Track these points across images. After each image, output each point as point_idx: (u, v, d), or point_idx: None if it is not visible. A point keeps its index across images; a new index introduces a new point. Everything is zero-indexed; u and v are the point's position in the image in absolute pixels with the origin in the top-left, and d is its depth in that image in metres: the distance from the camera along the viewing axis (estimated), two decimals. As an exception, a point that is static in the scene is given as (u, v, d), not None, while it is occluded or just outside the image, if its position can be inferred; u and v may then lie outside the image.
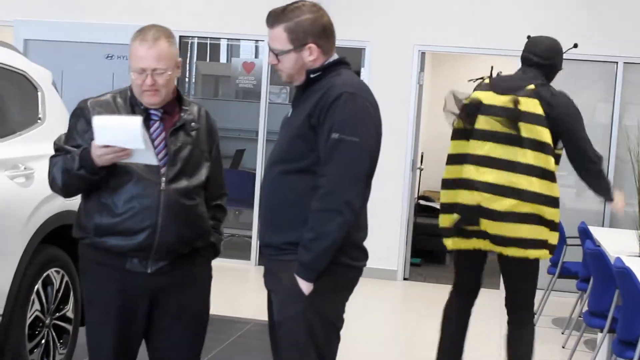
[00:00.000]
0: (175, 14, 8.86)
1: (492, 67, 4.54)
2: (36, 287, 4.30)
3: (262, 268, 3.28)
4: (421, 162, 9.62)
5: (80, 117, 3.19)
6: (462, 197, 4.33)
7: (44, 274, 4.37)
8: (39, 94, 4.73)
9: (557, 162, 4.35)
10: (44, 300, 4.38)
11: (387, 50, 8.61)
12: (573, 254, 6.95)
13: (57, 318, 4.51)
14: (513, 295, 4.44)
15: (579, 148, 4.34)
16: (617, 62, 8.29)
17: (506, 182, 4.21)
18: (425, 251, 9.49)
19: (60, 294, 4.53)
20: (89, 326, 3.33)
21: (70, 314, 4.60)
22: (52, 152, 3.25)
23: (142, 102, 3.18)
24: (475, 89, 4.47)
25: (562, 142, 4.33)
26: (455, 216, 4.36)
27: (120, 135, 2.97)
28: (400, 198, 8.64)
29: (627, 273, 4.40)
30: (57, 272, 4.49)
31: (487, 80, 4.45)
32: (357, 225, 3.09)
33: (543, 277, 5.27)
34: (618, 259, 4.65)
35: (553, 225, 4.28)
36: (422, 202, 10.35)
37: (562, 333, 6.74)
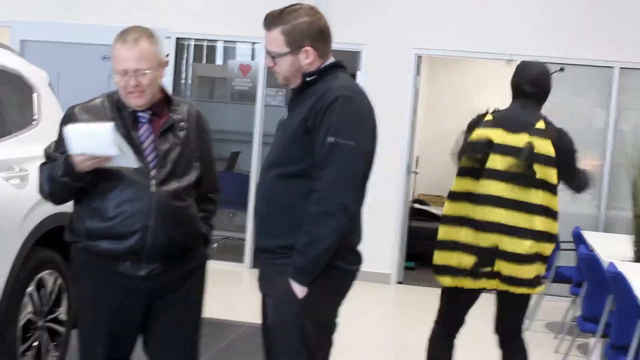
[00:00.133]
0: (172, 15, 8.87)
1: (487, 110, 4.43)
2: (29, 289, 4.29)
3: (256, 271, 3.28)
4: (416, 165, 9.62)
5: (69, 124, 3.18)
6: (477, 239, 4.22)
7: (37, 276, 4.36)
8: (35, 95, 4.72)
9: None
10: (37, 303, 4.37)
11: (384, 54, 8.62)
12: (567, 259, 6.97)
13: (50, 320, 4.50)
14: (509, 326, 4.40)
15: (571, 178, 4.37)
16: (613, 67, 8.30)
17: (522, 224, 4.15)
18: (419, 255, 9.49)
19: (53, 297, 4.52)
20: (81, 329, 3.33)
21: (63, 317, 4.59)
22: (48, 154, 3.26)
23: (128, 104, 3.18)
24: (480, 126, 4.31)
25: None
26: (455, 255, 4.27)
27: (92, 143, 2.97)
28: (395, 201, 8.64)
29: (620, 278, 4.41)
30: (51, 274, 4.48)
31: (489, 117, 4.37)
32: (352, 229, 3.09)
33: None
34: (611, 264, 4.66)
35: (546, 259, 4.31)
36: (416, 205, 10.36)
37: (555, 337, 6.74)
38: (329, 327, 3.14)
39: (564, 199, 8.11)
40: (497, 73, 10.09)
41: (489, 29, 8.43)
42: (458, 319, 4.44)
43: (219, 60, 11.17)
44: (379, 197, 7.87)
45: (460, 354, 4.48)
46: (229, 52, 10.72)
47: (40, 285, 4.40)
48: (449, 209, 4.34)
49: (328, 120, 2.96)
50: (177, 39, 9.14)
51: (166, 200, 3.14)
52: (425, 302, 7.60)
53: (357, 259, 3.16)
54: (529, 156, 4.15)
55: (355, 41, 8.57)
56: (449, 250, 4.28)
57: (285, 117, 3.19)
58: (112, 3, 8.99)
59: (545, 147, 4.17)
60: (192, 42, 10.18)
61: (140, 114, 3.20)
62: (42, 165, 3.23)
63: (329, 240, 2.94)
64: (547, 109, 4.37)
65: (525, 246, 4.15)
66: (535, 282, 4.24)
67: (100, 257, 3.16)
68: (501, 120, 4.29)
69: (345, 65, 3.18)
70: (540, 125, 4.22)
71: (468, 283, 4.26)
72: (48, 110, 4.74)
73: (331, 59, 3.14)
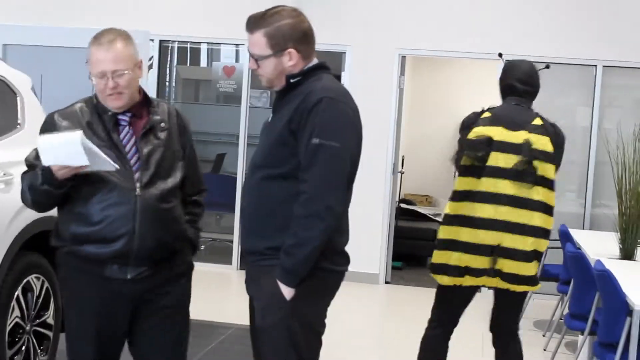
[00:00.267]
0: (155, 18, 8.84)
1: (482, 108, 4.42)
2: (16, 293, 4.27)
3: (243, 272, 3.28)
4: (402, 165, 9.63)
5: (48, 132, 3.17)
6: (480, 237, 4.21)
7: (24, 280, 4.35)
8: (18, 99, 4.70)
9: None
10: (24, 307, 4.35)
11: (368, 54, 8.63)
12: (554, 257, 6.99)
13: (38, 324, 4.48)
14: (506, 324, 4.40)
15: None
16: (596, 66, 8.34)
17: (524, 221, 4.16)
18: (406, 254, 9.50)
19: (40, 301, 4.50)
20: (68, 332, 3.32)
21: (50, 321, 4.57)
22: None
23: (107, 106, 3.17)
24: (478, 124, 4.29)
25: None
26: (455, 255, 4.25)
27: (62, 153, 2.97)
28: (381, 202, 8.65)
29: (607, 275, 4.42)
30: (37, 278, 4.46)
31: (486, 114, 4.37)
32: (339, 230, 3.09)
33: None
34: (598, 262, 4.67)
35: (540, 256, 4.32)
36: (403, 205, 10.37)
37: (544, 335, 6.77)
38: (317, 328, 3.14)
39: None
40: (481, 72, 10.14)
41: (473, 29, 8.44)
42: (453, 319, 4.43)
43: (203, 63, 11.15)
44: (365, 198, 7.87)
45: (452, 354, 4.47)
46: (213, 54, 10.70)
47: (27, 290, 4.38)
48: (450, 208, 4.33)
49: (312, 121, 2.95)
50: (161, 41, 9.12)
51: (151, 203, 3.14)
52: (413, 302, 7.62)
53: (344, 259, 3.16)
54: (529, 153, 4.16)
55: (339, 42, 8.57)
56: (449, 250, 4.27)
57: (269, 119, 3.18)
58: (94, 6, 8.96)
59: (544, 143, 4.19)
60: (176, 45, 10.15)
61: (120, 117, 3.20)
62: (23, 174, 3.22)
63: (315, 241, 2.94)
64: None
65: (528, 243, 4.16)
66: (535, 279, 4.26)
67: (86, 262, 3.15)
68: (499, 118, 4.28)
69: (329, 66, 3.18)
70: (537, 122, 4.24)
71: (468, 281, 4.26)
72: (32, 114, 4.72)
73: (315, 61, 3.14)
